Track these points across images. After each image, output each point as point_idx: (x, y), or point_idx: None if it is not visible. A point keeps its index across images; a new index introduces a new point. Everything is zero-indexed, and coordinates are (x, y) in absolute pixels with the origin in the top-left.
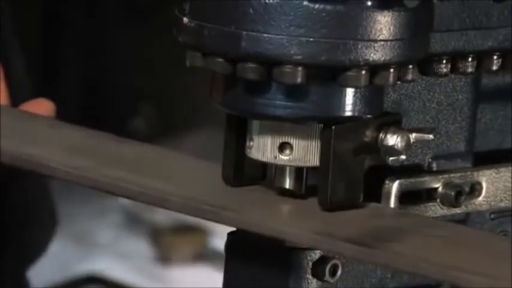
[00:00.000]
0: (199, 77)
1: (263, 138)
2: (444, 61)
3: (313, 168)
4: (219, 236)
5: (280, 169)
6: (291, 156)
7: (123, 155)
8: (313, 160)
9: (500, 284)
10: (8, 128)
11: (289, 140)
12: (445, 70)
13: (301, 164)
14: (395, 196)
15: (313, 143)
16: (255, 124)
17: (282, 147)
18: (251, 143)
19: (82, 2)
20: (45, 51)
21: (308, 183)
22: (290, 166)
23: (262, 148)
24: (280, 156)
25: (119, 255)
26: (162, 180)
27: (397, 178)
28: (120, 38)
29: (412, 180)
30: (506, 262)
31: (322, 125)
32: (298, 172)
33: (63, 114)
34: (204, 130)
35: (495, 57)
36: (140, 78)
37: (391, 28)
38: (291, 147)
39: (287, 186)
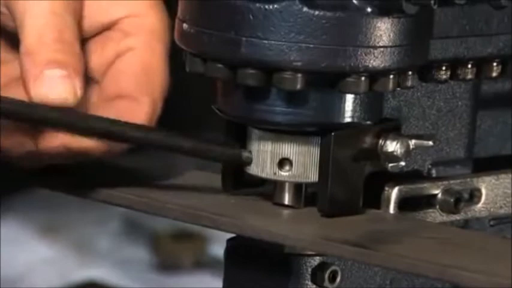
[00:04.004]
0: (201, 82)
1: (262, 154)
2: (444, 68)
3: (312, 184)
4: (219, 243)
5: (279, 185)
6: (290, 172)
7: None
8: (313, 176)
9: (501, 281)
10: None
11: (288, 155)
12: (444, 77)
13: (300, 180)
14: (395, 202)
15: (313, 158)
16: (254, 139)
17: (282, 163)
18: None
19: None
20: None
21: (308, 190)
22: (289, 182)
23: (262, 164)
24: (280, 172)
25: (119, 262)
26: (159, 189)
27: (396, 184)
28: None
29: (412, 186)
30: (506, 260)
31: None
32: (297, 188)
33: None
34: (205, 135)
35: (495, 63)
36: None
37: (391, 34)
38: (291, 163)
39: (286, 201)
